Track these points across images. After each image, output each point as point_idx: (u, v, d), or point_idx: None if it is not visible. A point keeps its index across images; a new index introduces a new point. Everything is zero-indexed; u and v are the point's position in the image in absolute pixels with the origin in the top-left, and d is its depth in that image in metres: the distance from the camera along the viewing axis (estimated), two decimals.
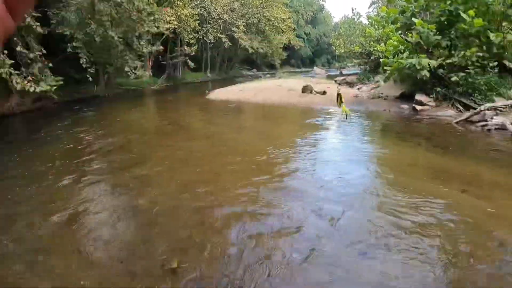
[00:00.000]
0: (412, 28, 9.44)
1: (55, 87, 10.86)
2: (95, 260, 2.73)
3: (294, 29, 38.59)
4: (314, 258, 2.66)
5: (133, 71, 15.29)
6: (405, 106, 9.52)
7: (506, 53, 8.67)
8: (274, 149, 5.77)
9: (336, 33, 23.22)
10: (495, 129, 7.21)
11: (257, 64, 41.07)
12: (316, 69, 32.70)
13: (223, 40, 26.35)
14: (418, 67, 8.56)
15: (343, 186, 4.22)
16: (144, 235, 3.13)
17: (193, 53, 23.59)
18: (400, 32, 10.54)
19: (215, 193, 4.00)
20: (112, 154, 6.00)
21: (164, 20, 18.22)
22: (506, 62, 8.69)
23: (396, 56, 10.42)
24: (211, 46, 27.76)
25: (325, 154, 5.86)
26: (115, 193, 4.22)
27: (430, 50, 9.22)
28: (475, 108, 7.98)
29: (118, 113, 11.15)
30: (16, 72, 9.55)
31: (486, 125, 7.42)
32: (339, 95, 3.64)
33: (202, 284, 2.41)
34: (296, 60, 49.17)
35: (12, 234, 3.16)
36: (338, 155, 5.76)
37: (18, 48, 10.11)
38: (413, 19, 9.31)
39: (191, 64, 23.34)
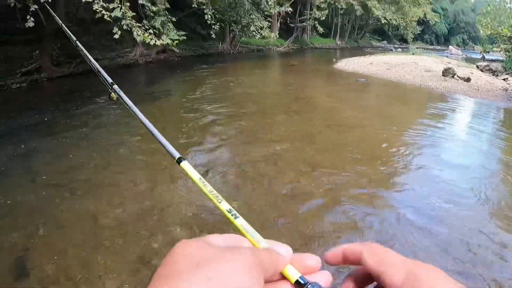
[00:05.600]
0: None
1: (177, 41, 10.85)
2: None
3: (431, 3, 34.76)
4: None
5: (259, 31, 15.16)
6: None
7: None
8: (403, 147, 4.65)
9: (484, 10, 19.65)
10: None
11: (388, 36, 39.10)
12: (452, 48, 29.09)
13: (355, 8, 25.66)
14: None
15: None
16: None
17: (323, 17, 23.42)
18: None
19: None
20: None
21: None
22: None
23: None
24: (342, 12, 27.33)
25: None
26: None
27: None
28: None
29: (240, 73, 11.05)
30: (138, 24, 9.43)
31: None
32: None
33: None
34: (430, 36, 44.54)
35: None
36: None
37: (140, 1, 9.98)
38: None
39: (320, 29, 23.33)
